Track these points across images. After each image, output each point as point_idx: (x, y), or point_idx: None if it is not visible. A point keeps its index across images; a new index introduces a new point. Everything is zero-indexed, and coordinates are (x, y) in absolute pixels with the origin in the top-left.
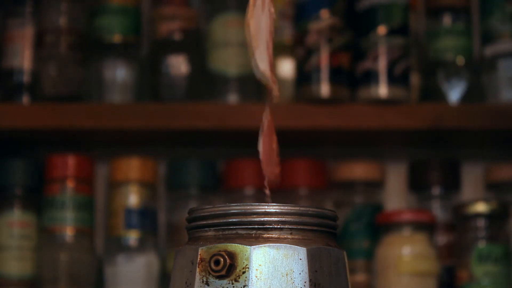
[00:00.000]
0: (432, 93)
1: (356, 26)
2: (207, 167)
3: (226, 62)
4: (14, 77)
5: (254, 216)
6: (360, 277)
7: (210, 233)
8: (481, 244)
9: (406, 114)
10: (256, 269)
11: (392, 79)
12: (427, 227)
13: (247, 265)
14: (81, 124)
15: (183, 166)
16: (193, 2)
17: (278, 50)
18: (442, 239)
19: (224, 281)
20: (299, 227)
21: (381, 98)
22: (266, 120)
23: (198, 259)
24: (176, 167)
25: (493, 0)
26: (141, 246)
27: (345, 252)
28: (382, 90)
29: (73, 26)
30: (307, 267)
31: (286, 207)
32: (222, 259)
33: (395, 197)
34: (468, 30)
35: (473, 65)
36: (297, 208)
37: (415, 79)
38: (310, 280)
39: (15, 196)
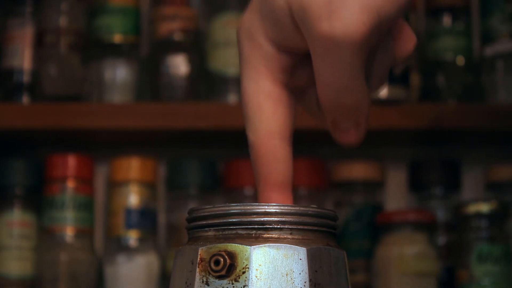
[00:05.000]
0: (432, 93)
1: None
2: (207, 167)
3: (226, 62)
4: (14, 77)
5: (254, 216)
6: (360, 277)
7: (210, 233)
8: (481, 244)
9: (406, 114)
10: (256, 269)
11: (392, 79)
12: (427, 227)
13: (247, 265)
14: (81, 124)
15: (183, 166)
16: (193, 2)
17: None
18: (442, 239)
19: (224, 281)
20: (299, 227)
21: (381, 98)
22: None
23: (198, 259)
24: (176, 167)
25: (493, 0)
26: (141, 246)
27: (345, 252)
28: (382, 90)
29: (73, 26)
30: (307, 267)
31: (286, 207)
32: (222, 259)
33: (395, 197)
34: (468, 30)
35: (473, 65)
36: (297, 208)
37: (415, 79)
38: (310, 280)
39: (15, 196)
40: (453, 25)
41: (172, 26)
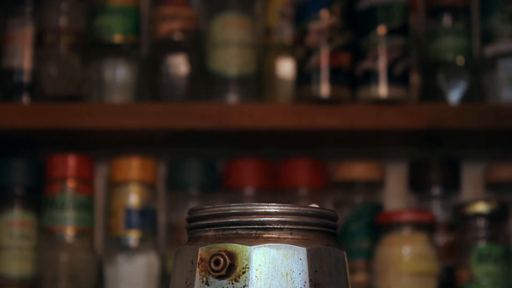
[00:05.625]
0: (432, 93)
1: (356, 26)
2: (207, 167)
3: (226, 62)
4: (14, 77)
5: (254, 216)
6: (360, 277)
7: (210, 233)
8: (481, 244)
9: (406, 114)
10: (256, 269)
11: (392, 79)
12: (427, 227)
13: (247, 265)
14: (81, 124)
15: (183, 166)
16: (193, 2)
17: (278, 50)
18: (442, 239)
19: (224, 281)
20: (299, 227)
21: (381, 98)
22: None
23: (198, 259)
24: (176, 167)
25: (493, 0)
26: (141, 246)
27: (345, 252)
28: (382, 90)
29: (73, 26)
30: (307, 267)
31: (286, 207)
32: (222, 259)
33: (395, 197)
34: (468, 30)
35: (473, 65)
36: (297, 208)
37: (415, 79)
38: (310, 280)
39: (15, 196)
40: (453, 25)
41: (172, 26)
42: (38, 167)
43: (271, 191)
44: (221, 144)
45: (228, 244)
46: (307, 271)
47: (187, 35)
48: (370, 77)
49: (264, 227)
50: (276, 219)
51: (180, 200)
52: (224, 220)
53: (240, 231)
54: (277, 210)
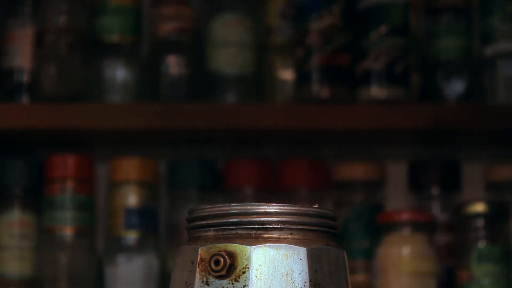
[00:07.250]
0: (432, 93)
1: (356, 26)
2: (207, 167)
3: (225, 62)
4: (14, 77)
5: (254, 216)
6: (360, 277)
7: (210, 233)
8: (481, 244)
9: (406, 114)
10: (256, 269)
11: (392, 79)
12: (427, 227)
13: (247, 265)
14: (81, 124)
15: (183, 166)
16: (193, 2)
17: (278, 50)
18: (442, 239)
19: (224, 281)
20: (299, 227)
21: (381, 98)
22: None
23: (198, 259)
24: (176, 167)
25: (493, 0)
26: (141, 246)
27: (345, 252)
28: (382, 90)
29: (73, 26)
30: (307, 267)
31: (286, 207)
32: (222, 259)
33: (395, 197)
34: (468, 30)
35: (473, 65)
36: (297, 208)
37: (415, 79)
38: (310, 280)
39: (15, 196)
40: (453, 25)
41: (172, 26)
42: (38, 167)
43: (271, 191)
44: (220, 144)
45: (228, 244)
46: (307, 271)
47: (187, 35)
48: (370, 77)
49: (264, 227)
50: (276, 219)
51: (180, 200)
52: (224, 220)
53: (240, 231)
54: (277, 210)
